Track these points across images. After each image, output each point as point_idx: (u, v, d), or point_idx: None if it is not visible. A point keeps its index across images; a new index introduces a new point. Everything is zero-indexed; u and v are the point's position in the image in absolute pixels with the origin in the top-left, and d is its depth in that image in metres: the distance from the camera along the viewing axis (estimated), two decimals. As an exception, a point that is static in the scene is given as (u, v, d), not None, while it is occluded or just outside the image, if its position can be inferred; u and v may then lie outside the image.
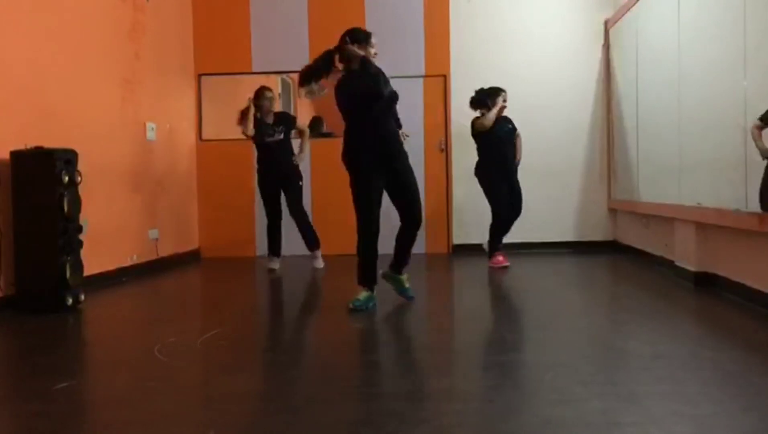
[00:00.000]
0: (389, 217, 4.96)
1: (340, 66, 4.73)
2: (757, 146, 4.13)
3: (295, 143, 6.94)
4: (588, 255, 7.50)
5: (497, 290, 5.72)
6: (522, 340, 3.96)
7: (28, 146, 4.82)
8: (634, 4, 6.73)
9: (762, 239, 4.34)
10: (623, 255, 7.38)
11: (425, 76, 7.99)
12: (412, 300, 4.89)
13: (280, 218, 6.80)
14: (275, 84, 8.61)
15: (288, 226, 6.87)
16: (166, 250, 7.16)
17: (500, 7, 8.03)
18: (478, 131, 6.60)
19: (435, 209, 8.03)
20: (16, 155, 4.76)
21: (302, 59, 7.97)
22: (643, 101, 6.64)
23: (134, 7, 6.62)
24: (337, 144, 4.85)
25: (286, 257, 6.98)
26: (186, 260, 7.62)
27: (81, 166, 5.04)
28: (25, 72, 5.03)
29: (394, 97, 4.65)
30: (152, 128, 6.96)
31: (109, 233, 6.00)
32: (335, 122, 5.15)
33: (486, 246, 6.81)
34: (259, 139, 6.65)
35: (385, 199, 4.75)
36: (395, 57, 4.63)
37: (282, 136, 6.71)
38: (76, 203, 4.93)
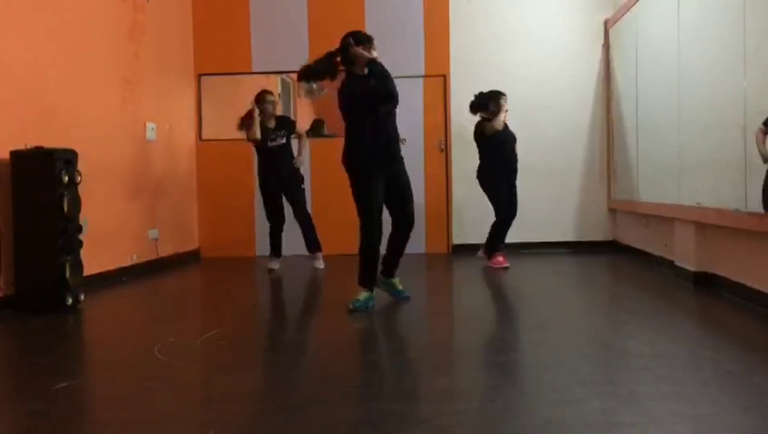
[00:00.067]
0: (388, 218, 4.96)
1: (340, 68, 4.74)
2: (760, 151, 4.12)
3: (293, 145, 6.92)
4: (588, 255, 7.50)
5: (497, 290, 5.72)
6: (522, 340, 3.97)
7: (28, 146, 4.82)
8: (634, 4, 6.73)
9: (762, 239, 4.34)
10: (623, 255, 7.38)
11: (425, 76, 7.99)
12: (408, 300, 4.90)
13: (283, 222, 6.80)
14: (275, 84, 8.62)
15: (288, 226, 6.87)
16: (166, 250, 7.16)
17: (500, 7, 8.03)
18: (487, 135, 6.56)
19: (435, 209, 8.03)
20: (16, 154, 4.76)
21: (302, 59, 7.91)
22: (643, 101, 6.64)
23: (134, 7, 6.62)
24: (338, 144, 4.85)
25: (286, 257, 6.97)
26: (186, 260, 7.62)
27: (81, 166, 5.04)
28: (25, 72, 5.03)
29: (395, 99, 4.67)
30: (152, 128, 6.96)
31: (109, 233, 6.00)
32: (336, 123, 5.14)
33: (482, 253, 6.78)
34: (261, 143, 6.64)
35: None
36: (395, 57, 4.64)
37: (285, 140, 6.72)
38: (76, 203, 4.93)
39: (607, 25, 7.88)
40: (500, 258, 6.60)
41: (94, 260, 5.50)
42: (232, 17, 8.09)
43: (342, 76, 4.75)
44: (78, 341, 4.31)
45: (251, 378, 3.23)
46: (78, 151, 5.04)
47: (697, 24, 5.21)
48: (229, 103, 8.18)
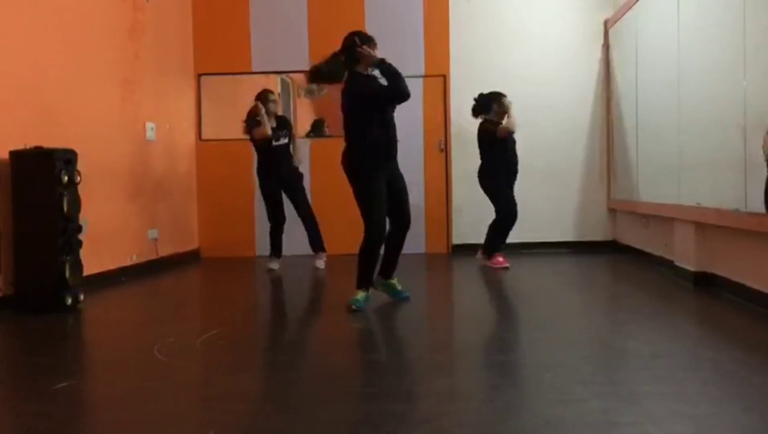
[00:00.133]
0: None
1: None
2: (766, 157, 4.10)
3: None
4: (588, 255, 7.50)
5: (497, 290, 5.72)
6: (521, 340, 3.97)
7: (28, 146, 4.82)
8: (634, 4, 6.73)
9: (762, 239, 4.34)
10: (623, 255, 7.38)
11: (425, 76, 7.99)
12: (408, 300, 4.90)
13: (283, 221, 6.80)
14: (275, 84, 8.61)
15: (288, 226, 6.87)
16: (165, 250, 7.16)
17: (500, 7, 8.03)
18: (500, 137, 6.53)
19: (435, 209, 8.03)
20: (15, 154, 4.76)
21: (302, 59, 8.04)
22: (643, 101, 6.64)
23: (134, 6, 6.62)
24: (338, 144, 4.84)
25: (286, 257, 6.97)
26: (186, 260, 7.62)
27: (80, 166, 5.04)
28: (24, 72, 5.03)
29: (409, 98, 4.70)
30: (152, 128, 6.96)
31: (109, 233, 6.00)
32: (337, 123, 5.14)
33: (481, 254, 6.76)
34: (262, 143, 6.63)
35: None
36: (395, 57, 4.63)
37: (287, 139, 6.74)
38: (76, 202, 4.93)
39: (607, 25, 7.88)
40: (500, 258, 6.59)
41: (94, 260, 5.50)
42: (232, 17, 8.09)
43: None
44: (78, 341, 4.31)
45: (251, 378, 3.23)
46: (78, 151, 5.03)
47: (697, 24, 5.21)
48: (229, 104, 8.19)
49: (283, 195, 6.79)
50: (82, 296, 4.92)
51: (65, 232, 4.81)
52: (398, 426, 2.48)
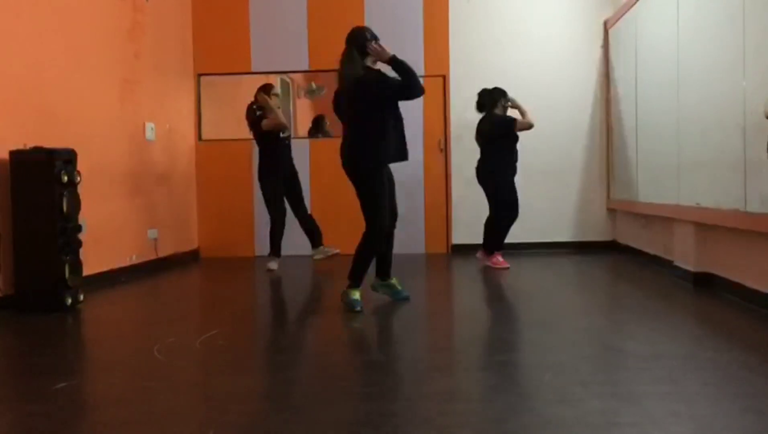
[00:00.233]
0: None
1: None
2: None
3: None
4: (587, 255, 7.50)
5: (496, 291, 5.72)
6: (521, 340, 3.97)
7: (28, 146, 4.82)
8: (634, 4, 6.74)
9: (761, 239, 4.35)
10: (622, 255, 7.39)
11: (425, 76, 7.97)
12: (408, 300, 4.90)
13: (285, 213, 6.82)
14: (275, 84, 8.62)
15: (286, 226, 6.87)
16: (165, 250, 7.16)
17: (500, 8, 8.03)
18: (519, 129, 6.49)
19: (434, 209, 8.03)
20: (15, 154, 4.76)
21: (302, 59, 8.06)
22: (643, 102, 6.64)
23: (134, 7, 6.62)
24: (337, 144, 4.83)
25: (284, 257, 6.97)
26: (185, 260, 7.62)
27: (80, 166, 5.04)
28: (24, 72, 5.03)
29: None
30: (151, 128, 6.96)
31: (109, 233, 6.00)
32: (337, 121, 5.12)
33: (481, 254, 6.74)
34: (269, 137, 6.63)
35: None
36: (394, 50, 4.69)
37: (289, 133, 6.76)
38: (76, 202, 4.93)
39: (606, 26, 7.89)
40: (500, 259, 6.59)
41: (94, 260, 5.51)
42: (232, 17, 8.09)
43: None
44: (77, 341, 4.31)
45: (251, 377, 3.23)
46: (77, 151, 5.03)
47: (696, 24, 5.22)
48: (229, 104, 8.19)
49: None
50: (81, 296, 4.92)
51: (65, 232, 4.81)
52: (398, 427, 2.48)
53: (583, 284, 6.14)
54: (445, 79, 8.00)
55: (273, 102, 6.66)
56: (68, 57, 5.54)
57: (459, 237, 7.99)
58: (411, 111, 7.63)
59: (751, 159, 4.28)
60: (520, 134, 6.64)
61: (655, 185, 6.22)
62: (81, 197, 5.00)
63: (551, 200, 7.96)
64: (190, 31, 8.06)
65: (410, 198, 7.86)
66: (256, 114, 6.68)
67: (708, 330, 4.15)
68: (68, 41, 5.56)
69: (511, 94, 6.74)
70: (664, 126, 5.89)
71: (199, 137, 8.20)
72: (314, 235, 6.91)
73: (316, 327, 4.51)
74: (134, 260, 6.51)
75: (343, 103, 4.77)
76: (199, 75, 8.17)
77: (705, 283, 5.17)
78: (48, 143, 4.88)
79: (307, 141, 8.13)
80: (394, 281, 4.94)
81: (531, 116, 6.56)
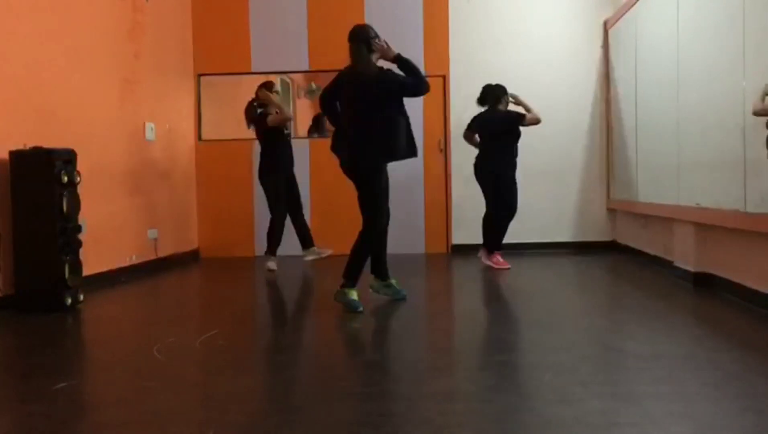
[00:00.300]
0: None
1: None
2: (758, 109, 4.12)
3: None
4: (587, 256, 7.50)
5: (496, 291, 5.72)
6: (521, 340, 3.97)
7: (27, 146, 4.82)
8: (634, 4, 6.74)
9: (761, 239, 4.35)
10: (622, 256, 7.39)
11: (424, 76, 7.97)
12: (405, 298, 4.91)
13: (285, 219, 6.82)
14: (275, 82, 8.62)
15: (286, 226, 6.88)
16: (165, 250, 7.16)
17: (500, 8, 8.03)
18: (526, 125, 6.48)
19: (434, 210, 8.04)
20: (15, 154, 4.76)
21: (302, 59, 8.05)
22: (642, 102, 6.64)
23: (134, 7, 6.62)
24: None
25: (285, 257, 6.97)
26: (185, 260, 7.62)
27: (80, 166, 5.04)
28: (24, 72, 5.03)
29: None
30: (151, 128, 6.96)
31: (108, 233, 6.00)
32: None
33: (484, 255, 6.72)
34: (273, 134, 6.63)
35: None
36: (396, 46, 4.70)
37: (290, 131, 6.77)
38: (75, 203, 4.93)
39: (606, 26, 7.89)
40: (501, 259, 6.57)
41: (94, 260, 5.51)
42: (232, 17, 8.09)
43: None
44: (77, 341, 4.31)
45: (250, 378, 3.23)
46: (77, 151, 5.03)
47: (696, 25, 5.22)
48: (229, 104, 8.18)
49: None
50: (81, 297, 4.92)
51: (65, 232, 4.81)
52: (398, 427, 2.48)
53: (583, 284, 6.14)
54: (445, 79, 8.00)
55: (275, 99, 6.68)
56: (68, 57, 5.54)
57: (459, 237, 7.99)
58: (411, 111, 7.57)
59: (751, 159, 4.28)
60: (525, 130, 6.62)
61: (655, 185, 6.22)
62: (81, 197, 5.00)
63: (551, 200, 7.96)
64: (190, 31, 8.06)
65: (410, 198, 7.87)
66: (256, 111, 6.68)
67: (708, 330, 4.15)
68: (68, 41, 5.56)
69: (511, 93, 6.73)
70: (664, 126, 5.89)
71: (199, 137, 8.20)
72: (306, 236, 6.90)
73: (316, 327, 4.51)
74: (134, 260, 6.50)
75: (346, 99, 4.70)
76: (199, 75, 8.17)
77: (705, 283, 5.17)
78: (48, 143, 4.88)
79: (307, 141, 8.14)
80: (393, 281, 4.94)
81: (537, 111, 6.55)
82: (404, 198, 7.47)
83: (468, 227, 7.78)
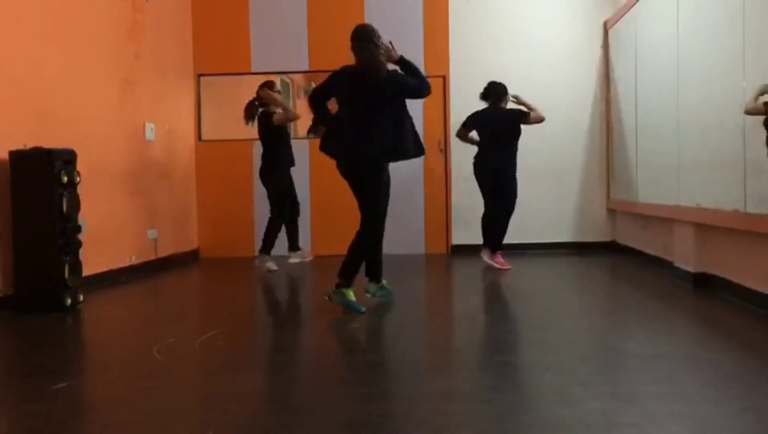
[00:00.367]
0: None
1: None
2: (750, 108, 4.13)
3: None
4: (587, 256, 7.50)
5: (496, 291, 5.72)
6: (521, 341, 3.97)
7: (27, 146, 4.82)
8: (634, 4, 6.74)
9: (761, 240, 4.34)
10: (622, 256, 7.38)
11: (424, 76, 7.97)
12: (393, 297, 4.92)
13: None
14: (276, 82, 8.62)
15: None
16: (165, 250, 7.16)
17: (500, 8, 8.03)
18: (531, 123, 6.48)
19: (434, 210, 8.04)
20: (15, 154, 4.76)
21: (302, 60, 8.05)
22: (642, 102, 6.64)
23: (134, 7, 6.62)
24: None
25: (284, 257, 6.97)
26: (185, 261, 7.61)
27: (80, 166, 5.04)
28: (24, 72, 5.03)
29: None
30: (151, 129, 6.96)
31: (108, 234, 6.00)
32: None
33: (488, 254, 6.69)
34: (275, 134, 6.63)
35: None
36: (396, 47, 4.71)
37: (290, 131, 6.80)
38: (75, 203, 4.93)
39: (606, 26, 7.89)
40: (501, 259, 6.57)
41: (93, 260, 5.50)
42: (232, 17, 8.09)
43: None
44: (77, 341, 4.31)
45: (250, 378, 3.23)
46: (77, 151, 5.03)
47: (696, 25, 5.22)
48: (229, 104, 8.18)
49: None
50: (81, 297, 4.92)
51: (65, 232, 4.80)
52: (398, 427, 2.48)
53: (582, 284, 6.14)
54: (445, 79, 8.00)
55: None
56: (68, 57, 5.54)
57: (459, 238, 7.99)
58: (411, 111, 7.62)
59: (750, 160, 4.28)
60: (525, 130, 6.60)
61: (655, 186, 6.22)
62: (81, 197, 5.00)
63: (551, 200, 7.96)
64: (190, 32, 8.06)
65: (410, 198, 7.87)
66: (257, 111, 6.68)
67: (708, 330, 4.15)
68: (68, 41, 5.56)
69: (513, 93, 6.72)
70: (664, 126, 5.89)
71: (199, 138, 8.20)
72: (295, 238, 6.89)
73: (316, 327, 4.51)
74: (134, 260, 6.50)
75: (346, 98, 4.65)
76: (199, 75, 8.17)
77: (705, 284, 5.17)
78: (48, 143, 4.88)
79: (306, 141, 8.13)
80: (384, 281, 4.92)
81: (540, 110, 6.54)
82: (404, 198, 7.46)
83: (468, 228, 7.78)
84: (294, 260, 6.90)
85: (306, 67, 8.10)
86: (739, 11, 4.43)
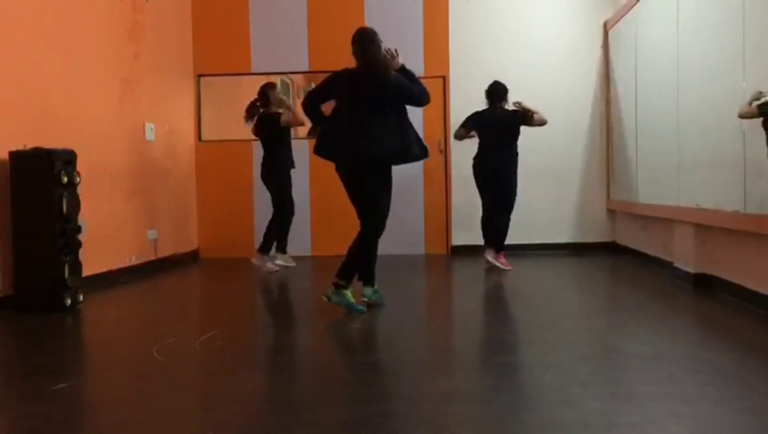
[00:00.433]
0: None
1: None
2: (744, 111, 4.15)
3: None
4: (587, 257, 7.50)
5: (496, 291, 5.72)
6: (521, 341, 3.97)
7: (27, 146, 4.82)
8: (634, 5, 6.74)
9: (761, 240, 4.34)
10: (622, 257, 7.38)
11: (425, 77, 7.95)
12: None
13: None
14: (277, 83, 8.62)
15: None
16: (164, 250, 7.16)
17: (500, 9, 8.04)
18: (535, 125, 6.48)
19: (434, 210, 8.04)
20: (15, 155, 4.76)
21: (302, 60, 8.05)
22: (642, 102, 6.64)
23: (134, 7, 6.62)
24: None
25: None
26: (185, 261, 7.61)
27: (80, 166, 5.04)
28: (24, 72, 5.03)
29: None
30: (151, 129, 6.96)
31: (108, 234, 6.00)
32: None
33: (491, 255, 6.65)
34: (281, 134, 6.63)
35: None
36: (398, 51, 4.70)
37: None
38: (75, 203, 4.93)
39: (606, 27, 7.89)
40: (504, 260, 6.56)
41: (93, 260, 5.50)
42: (232, 17, 8.10)
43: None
44: (77, 341, 4.31)
45: (250, 378, 3.23)
46: (77, 151, 5.03)
47: (696, 25, 5.22)
48: (229, 104, 8.18)
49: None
50: (81, 297, 4.92)
51: (64, 232, 4.81)
52: (398, 427, 2.48)
53: (582, 285, 6.14)
54: (445, 80, 8.00)
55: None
56: (68, 57, 5.54)
57: (459, 238, 7.99)
58: (411, 112, 7.61)
59: (750, 160, 4.28)
60: (524, 130, 6.59)
61: (655, 186, 6.22)
62: (81, 197, 5.00)
63: (551, 201, 7.96)
64: (190, 32, 8.06)
65: (410, 199, 7.86)
66: (259, 111, 6.67)
67: (708, 331, 4.15)
68: (68, 41, 5.56)
69: (511, 94, 6.70)
70: (664, 127, 5.89)
71: (199, 138, 8.20)
72: (284, 241, 6.88)
73: (315, 328, 4.51)
74: (134, 260, 6.50)
75: (347, 100, 4.60)
76: (199, 76, 8.17)
77: (705, 284, 5.17)
78: (48, 144, 4.88)
79: (306, 142, 8.12)
80: (375, 286, 4.88)
81: (543, 113, 6.54)
82: (404, 198, 7.46)
83: (468, 228, 7.78)
84: (278, 261, 6.87)
85: (306, 68, 8.10)
86: (739, 11, 4.43)
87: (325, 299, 4.55)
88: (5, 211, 4.77)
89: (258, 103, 6.72)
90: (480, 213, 6.76)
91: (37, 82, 5.17)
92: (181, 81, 7.88)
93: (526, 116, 6.48)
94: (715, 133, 4.84)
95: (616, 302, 5.35)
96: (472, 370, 3.37)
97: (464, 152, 7.35)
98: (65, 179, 4.80)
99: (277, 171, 6.65)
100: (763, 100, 4.01)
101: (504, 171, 6.53)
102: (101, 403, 2.93)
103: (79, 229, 4.97)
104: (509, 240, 6.81)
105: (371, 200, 4.58)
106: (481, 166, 6.61)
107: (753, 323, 4.13)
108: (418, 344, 4.00)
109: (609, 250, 7.84)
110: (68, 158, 4.90)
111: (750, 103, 4.08)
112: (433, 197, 8.04)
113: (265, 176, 6.70)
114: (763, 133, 3.99)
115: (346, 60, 4.74)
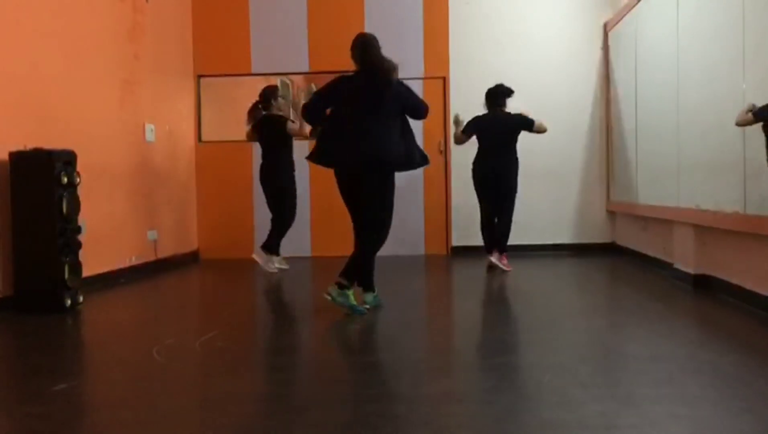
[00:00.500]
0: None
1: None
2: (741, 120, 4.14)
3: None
4: (587, 258, 7.50)
5: (496, 292, 5.72)
6: (521, 342, 3.97)
7: (27, 147, 4.82)
8: (634, 6, 6.74)
9: (761, 241, 4.34)
10: (622, 258, 7.38)
11: (425, 78, 8.00)
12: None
13: None
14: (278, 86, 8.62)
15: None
16: (164, 251, 7.16)
17: (500, 9, 8.04)
18: (535, 132, 6.51)
19: (434, 211, 8.04)
20: (15, 155, 4.76)
21: (302, 60, 8.06)
22: (642, 103, 6.65)
23: (134, 8, 6.63)
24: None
25: (284, 257, 6.97)
26: (185, 262, 7.61)
27: (80, 167, 5.03)
28: (24, 73, 5.03)
29: None
30: (151, 130, 6.96)
31: (108, 234, 6.00)
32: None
33: (495, 256, 6.61)
34: (287, 139, 6.64)
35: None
36: (394, 58, 4.65)
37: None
38: (75, 204, 4.93)
39: (606, 28, 7.89)
40: (506, 261, 6.56)
41: (93, 261, 5.50)
42: (232, 18, 8.10)
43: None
44: (77, 342, 4.31)
45: (250, 379, 3.23)
46: (77, 152, 5.03)
47: (696, 26, 5.22)
48: (229, 105, 8.19)
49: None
50: (81, 298, 4.91)
51: (64, 233, 4.80)
52: (398, 428, 2.48)
53: (582, 286, 6.14)
54: (445, 81, 8.00)
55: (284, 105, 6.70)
56: (68, 58, 5.54)
57: (458, 239, 7.99)
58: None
59: (750, 161, 4.28)
60: (520, 135, 6.61)
61: (655, 187, 6.22)
62: (81, 198, 5.00)
63: (551, 201, 7.96)
64: (190, 32, 8.06)
65: (410, 200, 7.86)
66: (261, 114, 6.67)
67: (708, 332, 4.15)
68: (68, 42, 5.56)
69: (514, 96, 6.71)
70: (663, 128, 5.89)
71: (199, 139, 8.20)
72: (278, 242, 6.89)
73: (315, 328, 4.51)
74: (134, 261, 6.50)
75: (351, 103, 4.53)
76: (199, 76, 8.17)
77: (705, 285, 5.17)
78: (48, 144, 4.88)
79: (306, 143, 8.12)
80: (376, 292, 4.84)
81: (543, 121, 6.55)
82: (404, 199, 7.45)
83: (468, 229, 7.78)
84: (277, 264, 6.86)
85: (306, 69, 8.10)
86: (739, 12, 4.43)
87: (328, 297, 4.50)
88: (5, 211, 4.77)
89: (260, 106, 6.72)
90: (479, 215, 6.77)
91: (37, 83, 5.17)
92: (181, 82, 7.88)
93: (528, 124, 6.49)
94: (715, 134, 4.84)
95: (616, 302, 5.35)
96: (472, 371, 3.37)
97: (464, 153, 7.35)
98: (65, 180, 4.80)
99: (277, 172, 6.65)
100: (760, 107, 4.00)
101: (504, 173, 6.53)
102: (101, 404, 2.93)
103: (79, 229, 4.97)
104: (509, 241, 6.81)
105: (385, 204, 4.53)
106: (480, 168, 6.59)
107: (753, 324, 4.13)
108: (418, 344, 4.00)
109: (609, 251, 7.84)
110: (68, 159, 4.90)
111: (746, 113, 4.06)
112: (433, 197, 8.03)
113: (265, 179, 6.69)
114: (764, 137, 3.98)
115: (346, 60, 4.74)
